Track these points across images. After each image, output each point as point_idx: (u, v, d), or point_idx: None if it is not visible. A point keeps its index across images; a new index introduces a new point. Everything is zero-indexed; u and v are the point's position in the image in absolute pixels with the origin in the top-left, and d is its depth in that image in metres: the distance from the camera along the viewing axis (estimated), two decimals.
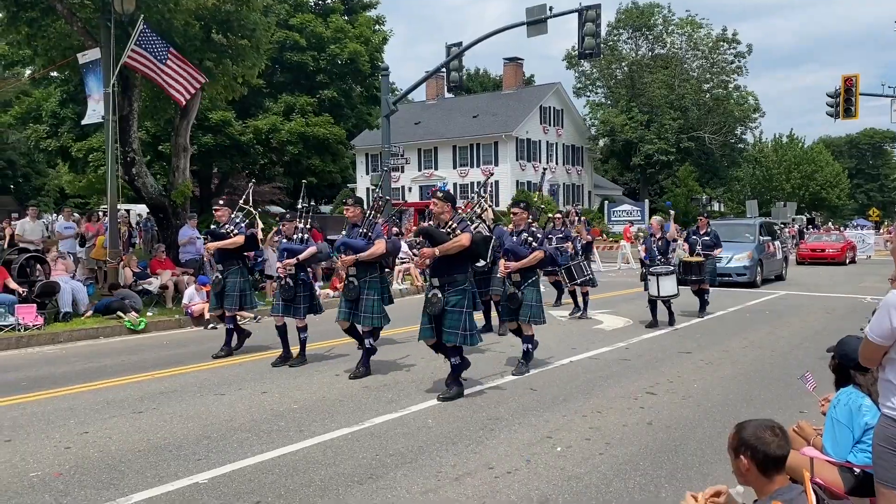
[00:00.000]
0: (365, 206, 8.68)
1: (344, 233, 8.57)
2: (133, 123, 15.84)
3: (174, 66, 13.53)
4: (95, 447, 5.66)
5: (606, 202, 44.17)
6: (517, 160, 46.17)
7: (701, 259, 13.05)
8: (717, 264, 17.26)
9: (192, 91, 14.05)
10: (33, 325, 10.98)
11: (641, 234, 26.14)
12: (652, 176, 52.33)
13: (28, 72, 25.02)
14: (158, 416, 6.54)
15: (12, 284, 11.50)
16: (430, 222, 8.91)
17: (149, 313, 12.65)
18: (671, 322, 11.93)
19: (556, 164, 49.64)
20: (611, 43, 51.57)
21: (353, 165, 46.53)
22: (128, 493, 4.67)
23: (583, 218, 19.37)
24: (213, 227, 9.80)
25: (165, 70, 13.44)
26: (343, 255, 8.08)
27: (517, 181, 45.37)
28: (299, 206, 9.23)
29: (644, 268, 12.39)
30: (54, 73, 22.99)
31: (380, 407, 6.80)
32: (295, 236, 8.96)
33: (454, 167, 47.66)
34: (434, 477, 4.97)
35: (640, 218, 39.23)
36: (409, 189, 47.95)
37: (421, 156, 48.62)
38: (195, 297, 12.73)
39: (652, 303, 11.91)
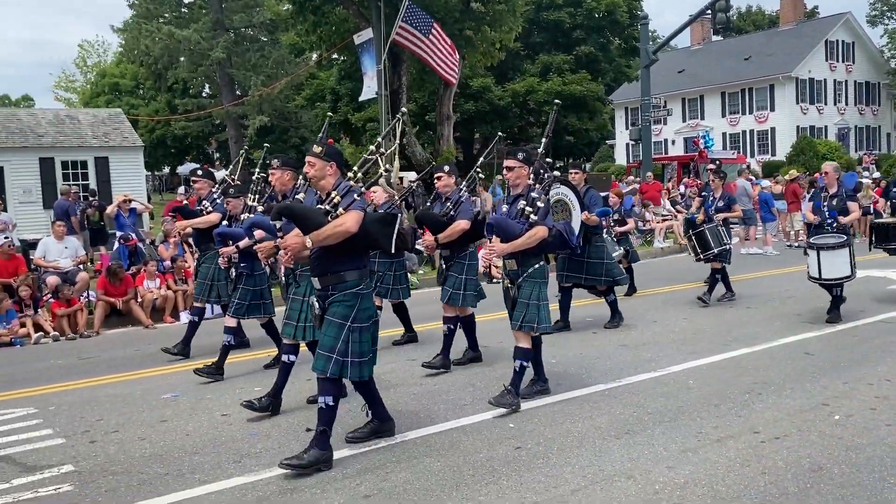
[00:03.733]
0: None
1: (261, 209, 6.46)
2: (403, 96, 17.13)
3: (437, 41, 14.33)
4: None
5: None
6: (797, 103, 41.73)
7: None
8: None
9: (456, 70, 14.89)
10: None
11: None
12: None
13: (314, 56, 27.99)
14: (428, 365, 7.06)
15: None
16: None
17: (420, 271, 13.69)
18: (833, 319, 8.32)
19: (846, 104, 44.05)
20: None
21: (611, 121, 45.55)
22: (403, 431, 5.18)
23: (713, 166, 12.20)
24: (184, 202, 7.95)
25: (431, 46, 14.29)
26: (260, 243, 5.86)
27: (797, 126, 41.08)
28: (255, 177, 6.93)
29: (807, 236, 9.24)
30: (335, 56, 25.50)
31: (638, 365, 6.74)
32: (243, 216, 6.90)
33: (723, 115, 44.46)
34: (694, 437, 4.85)
35: None
36: (673, 142, 45.79)
37: (685, 105, 46.02)
38: None
39: (826, 287, 8.49)
